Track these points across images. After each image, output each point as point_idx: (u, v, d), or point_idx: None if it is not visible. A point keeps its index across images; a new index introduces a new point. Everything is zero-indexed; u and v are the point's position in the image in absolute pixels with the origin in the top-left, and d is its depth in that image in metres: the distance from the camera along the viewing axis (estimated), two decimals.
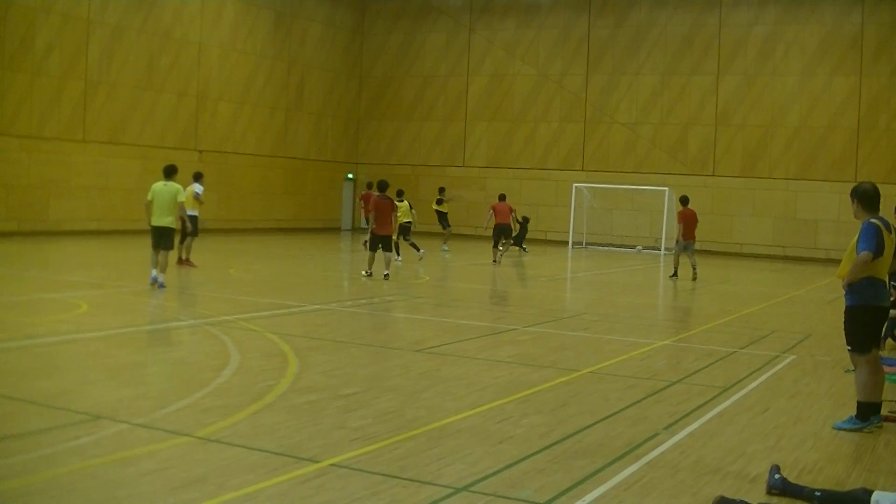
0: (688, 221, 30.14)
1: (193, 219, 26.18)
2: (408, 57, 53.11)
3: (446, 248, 38.11)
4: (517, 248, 38.51)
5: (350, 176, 53.41)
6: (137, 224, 38.97)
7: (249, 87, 46.44)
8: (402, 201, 32.71)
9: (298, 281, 25.35)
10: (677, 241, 30.54)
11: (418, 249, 32.26)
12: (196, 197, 27.09)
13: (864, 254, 10.39)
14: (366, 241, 32.21)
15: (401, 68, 53.29)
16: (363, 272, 26.33)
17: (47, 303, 18.62)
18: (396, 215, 27.53)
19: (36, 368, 12.36)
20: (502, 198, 34.77)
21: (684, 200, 30.95)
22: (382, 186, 26.39)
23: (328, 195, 51.64)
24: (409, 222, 33.02)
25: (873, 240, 10.43)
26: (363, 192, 37.46)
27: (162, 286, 21.20)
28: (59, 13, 37.11)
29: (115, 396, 10.75)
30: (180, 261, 26.44)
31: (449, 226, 39.22)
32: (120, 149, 39.56)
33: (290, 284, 24.49)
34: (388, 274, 26.01)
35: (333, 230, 51.10)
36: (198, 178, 27.79)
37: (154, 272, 21.35)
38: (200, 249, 29.06)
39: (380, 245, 25.93)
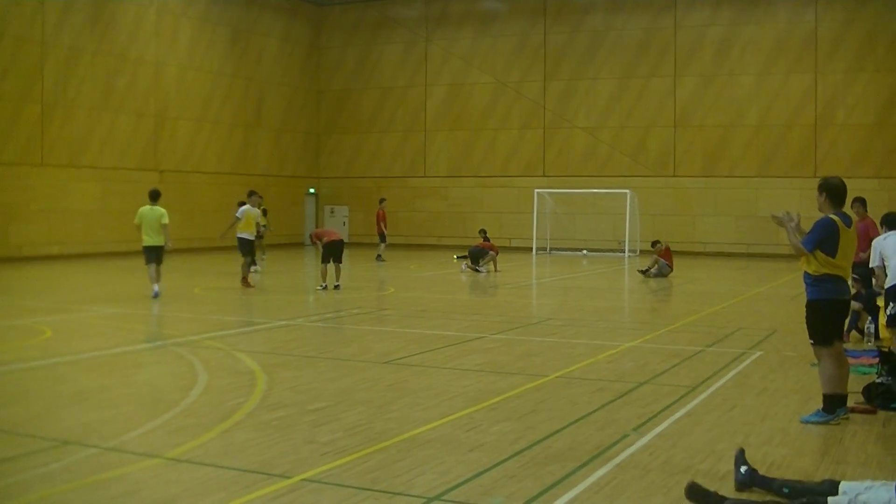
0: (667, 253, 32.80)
1: (243, 242, 27.24)
2: (365, 70, 53.13)
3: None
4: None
5: (312, 191, 53.39)
6: (100, 247, 38.96)
7: (208, 106, 46.36)
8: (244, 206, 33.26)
9: (264, 297, 25.29)
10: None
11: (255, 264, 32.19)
12: (237, 219, 27.45)
13: (801, 247, 10.73)
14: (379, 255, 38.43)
15: (359, 81, 53.30)
16: (318, 286, 26.50)
17: (11, 329, 18.51)
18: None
19: (1, 395, 12.28)
20: None
21: (656, 242, 33.88)
22: None
23: (290, 211, 51.55)
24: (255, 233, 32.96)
25: (817, 241, 10.61)
26: (378, 209, 40.66)
27: (157, 294, 23.92)
28: (13, 36, 36.95)
29: (84, 421, 10.71)
30: (244, 281, 27.15)
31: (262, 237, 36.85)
32: (79, 171, 39.40)
33: (256, 301, 24.43)
34: (338, 285, 26.63)
35: (297, 245, 51.00)
36: (250, 195, 27.97)
37: (156, 288, 24.09)
38: (164, 270, 28.89)
39: (331, 257, 26.40)
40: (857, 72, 43.32)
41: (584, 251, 44.27)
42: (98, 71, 40.47)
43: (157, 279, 24.14)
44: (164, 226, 24.13)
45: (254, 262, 30.50)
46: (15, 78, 37.20)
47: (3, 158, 36.69)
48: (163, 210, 24.22)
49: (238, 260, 27.94)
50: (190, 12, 45.13)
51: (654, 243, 33.49)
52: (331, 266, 26.41)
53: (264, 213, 36.45)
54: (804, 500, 7.53)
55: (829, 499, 7.39)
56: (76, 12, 39.39)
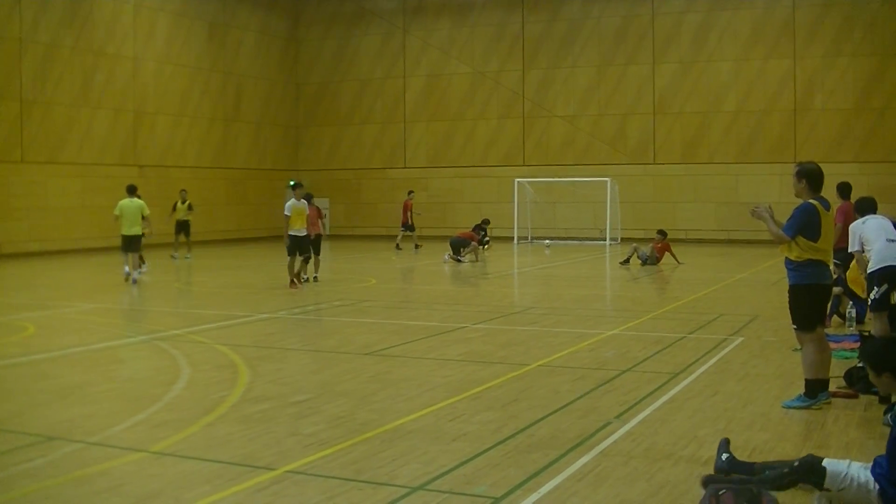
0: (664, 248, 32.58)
1: (293, 240, 25.18)
2: (343, 62, 53.05)
3: (188, 255, 36.00)
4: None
5: (292, 183, 53.23)
6: (80, 243, 38.83)
7: (187, 100, 46.23)
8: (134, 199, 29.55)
9: (245, 291, 25.27)
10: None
11: (143, 263, 29.32)
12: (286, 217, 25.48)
13: (782, 234, 10.75)
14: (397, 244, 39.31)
15: (337, 73, 53.21)
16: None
17: None
18: (322, 220, 26.64)
19: None
20: None
21: (663, 232, 33.53)
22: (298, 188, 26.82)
23: (270, 204, 51.38)
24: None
25: (798, 227, 10.64)
26: (406, 200, 42.76)
27: (135, 280, 26.19)
28: None
29: (67, 416, 10.71)
30: (298, 280, 25.39)
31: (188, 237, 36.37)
32: (59, 168, 39.26)
33: (237, 295, 24.41)
34: (316, 277, 26.68)
35: (277, 238, 50.74)
36: (295, 187, 26.09)
37: (127, 269, 26.35)
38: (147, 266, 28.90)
39: (310, 249, 26.33)
40: (835, 56, 43.42)
41: (547, 241, 44.07)
42: (76, 67, 40.32)
43: (137, 265, 26.81)
44: (145, 217, 26.79)
45: (142, 261, 28.72)
46: None
47: None
48: (142, 202, 27.05)
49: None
50: (167, 7, 44.98)
51: (659, 231, 33.30)
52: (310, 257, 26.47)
53: (189, 207, 35.98)
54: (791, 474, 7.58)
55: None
56: (53, 8, 39.20)
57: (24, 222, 37.94)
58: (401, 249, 40.17)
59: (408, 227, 41.67)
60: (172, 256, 35.32)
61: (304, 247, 25.41)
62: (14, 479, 8.34)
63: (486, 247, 39.71)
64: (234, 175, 49.10)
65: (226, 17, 48.62)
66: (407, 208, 41.79)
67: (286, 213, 25.37)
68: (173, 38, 45.43)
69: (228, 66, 48.90)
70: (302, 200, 25.61)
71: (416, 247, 41.49)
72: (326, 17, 53.32)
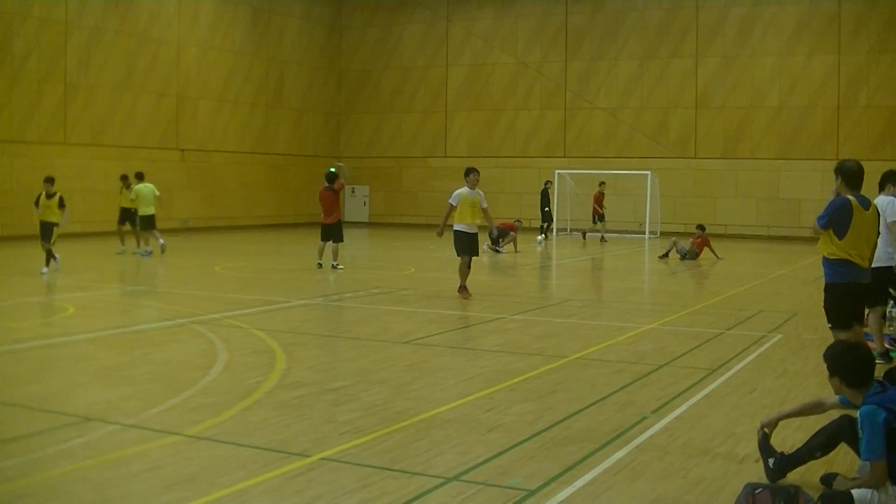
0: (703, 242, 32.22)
1: (460, 237, 21.01)
2: (386, 50, 53.08)
3: (149, 249, 30.23)
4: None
5: (332, 170, 53.34)
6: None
7: (229, 85, 46.37)
8: (52, 196, 26.27)
9: (283, 277, 25.33)
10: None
11: (53, 258, 24.91)
12: (451, 207, 21.12)
13: (817, 226, 10.72)
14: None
15: (379, 61, 53.25)
16: (328, 265, 26.55)
17: (34, 306, 18.61)
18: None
19: (24, 372, 12.36)
20: None
21: (702, 227, 33.05)
22: (330, 178, 27.82)
23: (310, 190, 51.35)
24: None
25: (829, 218, 10.52)
26: (596, 192, 42.53)
27: (147, 253, 29.53)
28: (37, 17, 37.00)
29: (105, 398, 10.76)
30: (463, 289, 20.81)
31: (136, 226, 30.67)
32: (101, 150, 39.48)
33: (276, 280, 24.46)
34: (335, 264, 26.41)
35: (316, 224, 50.87)
36: (467, 174, 21.31)
37: (148, 247, 29.84)
38: (184, 248, 29.03)
39: (330, 238, 26.59)
40: (881, 53, 43.06)
41: (572, 232, 44.17)
42: (120, 51, 40.52)
43: (148, 241, 30.08)
44: (157, 197, 30.56)
45: (53, 256, 24.72)
46: (38, 58, 37.26)
47: (27, 137, 36.82)
48: (153, 185, 30.73)
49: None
50: None
51: (698, 226, 33.08)
52: (329, 245, 26.53)
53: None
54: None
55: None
56: None
57: (67, 203, 38.07)
58: (606, 241, 41.09)
59: (601, 217, 42.19)
60: (135, 252, 30.26)
61: (471, 246, 20.96)
62: (51, 459, 8.40)
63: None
64: (275, 161, 49.23)
65: (269, 4, 48.73)
66: (596, 200, 42.06)
67: (451, 202, 20.96)
68: (217, 23, 45.57)
69: (271, 52, 49.02)
70: (477, 191, 21.01)
71: (584, 234, 42.86)
72: (370, 4, 53.34)
